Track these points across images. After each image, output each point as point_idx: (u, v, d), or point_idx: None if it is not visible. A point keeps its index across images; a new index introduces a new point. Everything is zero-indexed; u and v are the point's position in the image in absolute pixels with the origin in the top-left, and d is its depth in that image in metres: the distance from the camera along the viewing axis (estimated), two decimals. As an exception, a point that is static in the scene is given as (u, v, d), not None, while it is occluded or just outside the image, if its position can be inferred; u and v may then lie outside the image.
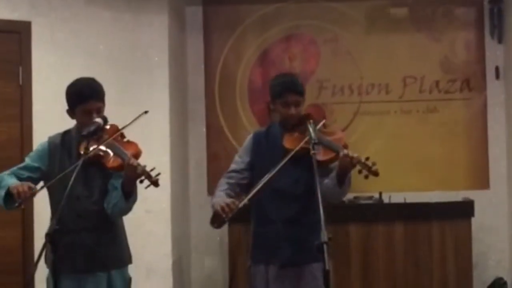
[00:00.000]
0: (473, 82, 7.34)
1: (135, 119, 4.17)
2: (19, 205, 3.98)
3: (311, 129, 4.28)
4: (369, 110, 7.41)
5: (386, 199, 6.82)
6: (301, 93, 4.54)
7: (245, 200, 4.27)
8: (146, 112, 4.23)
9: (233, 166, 4.67)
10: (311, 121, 4.37)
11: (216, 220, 4.35)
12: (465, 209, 6.66)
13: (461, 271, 6.55)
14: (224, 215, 4.24)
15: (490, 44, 7.33)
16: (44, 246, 3.56)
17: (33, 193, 3.97)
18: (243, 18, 7.57)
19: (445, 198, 6.84)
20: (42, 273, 3.84)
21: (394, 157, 7.22)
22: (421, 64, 7.39)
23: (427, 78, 7.38)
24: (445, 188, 7.16)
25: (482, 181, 7.28)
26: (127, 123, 4.16)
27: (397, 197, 6.82)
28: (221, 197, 4.44)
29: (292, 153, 4.31)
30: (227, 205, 4.25)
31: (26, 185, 3.99)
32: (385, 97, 7.41)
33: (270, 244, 4.49)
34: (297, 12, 7.52)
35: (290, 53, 7.56)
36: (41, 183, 4.18)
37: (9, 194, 4.04)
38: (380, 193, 6.81)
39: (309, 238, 4.37)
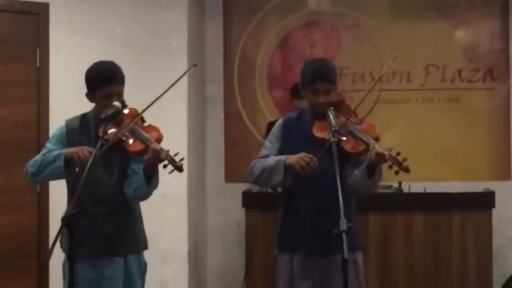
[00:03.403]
0: (496, 72, 7.25)
1: (179, 78, 4.21)
2: (78, 170, 3.99)
3: (331, 116, 4.19)
4: (390, 98, 7.33)
5: (405, 189, 6.72)
6: (331, 81, 4.41)
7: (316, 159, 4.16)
8: (195, 65, 4.21)
9: (264, 152, 4.54)
10: (331, 108, 4.28)
11: (297, 178, 4.27)
12: (486, 200, 6.55)
13: (480, 263, 6.46)
14: (303, 171, 4.18)
15: (515, 33, 7.25)
16: (60, 230, 3.53)
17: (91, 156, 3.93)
18: (264, 3, 7.51)
19: (465, 188, 6.75)
20: (56, 257, 3.79)
21: (415, 146, 7.13)
22: (443, 53, 7.31)
23: (449, 66, 7.30)
24: (466, 179, 7.10)
25: (503, 172, 7.21)
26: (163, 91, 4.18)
27: (417, 187, 6.71)
28: (282, 156, 4.37)
29: (329, 142, 4.19)
30: (306, 162, 4.17)
31: (85, 149, 4.01)
32: (407, 85, 7.33)
33: (297, 234, 4.42)
34: (319, -2, 7.47)
35: (311, 39, 7.49)
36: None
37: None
38: (400, 183, 6.72)
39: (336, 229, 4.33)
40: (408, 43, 7.34)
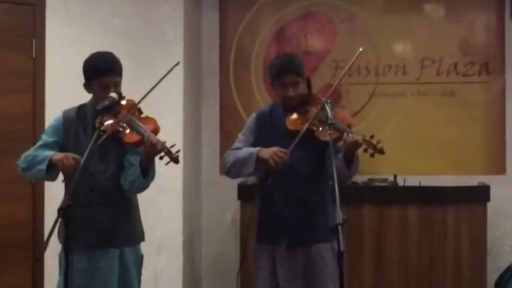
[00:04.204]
0: (492, 66, 7.22)
1: (166, 74, 4.14)
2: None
3: (328, 109, 4.22)
4: (385, 91, 7.31)
5: (400, 182, 6.74)
6: (298, 73, 4.49)
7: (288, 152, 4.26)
8: (177, 63, 4.20)
9: (237, 145, 4.65)
10: (328, 101, 4.32)
11: (269, 172, 4.32)
12: (480, 194, 6.57)
13: (475, 257, 6.49)
14: (276, 166, 4.26)
15: (510, 27, 7.20)
16: (57, 221, 3.53)
17: (79, 165, 3.91)
18: (260, -6, 7.49)
19: (460, 182, 6.74)
20: (51, 248, 3.79)
21: (410, 139, 7.14)
22: (439, 46, 7.27)
23: (445, 60, 7.26)
24: (460, 173, 7.08)
25: (498, 166, 7.18)
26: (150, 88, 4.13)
27: (412, 180, 6.73)
28: (255, 148, 4.45)
29: (301, 134, 4.27)
30: (280, 157, 4.25)
31: (71, 156, 4.00)
32: (402, 78, 7.31)
33: (277, 225, 4.47)
34: (315, -10, 7.44)
35: (306, 31, 7.46)
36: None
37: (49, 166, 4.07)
38: (395, 176, 6.74)
39: (315, 218, 4.38)
40: (403, 36, 7.32)
